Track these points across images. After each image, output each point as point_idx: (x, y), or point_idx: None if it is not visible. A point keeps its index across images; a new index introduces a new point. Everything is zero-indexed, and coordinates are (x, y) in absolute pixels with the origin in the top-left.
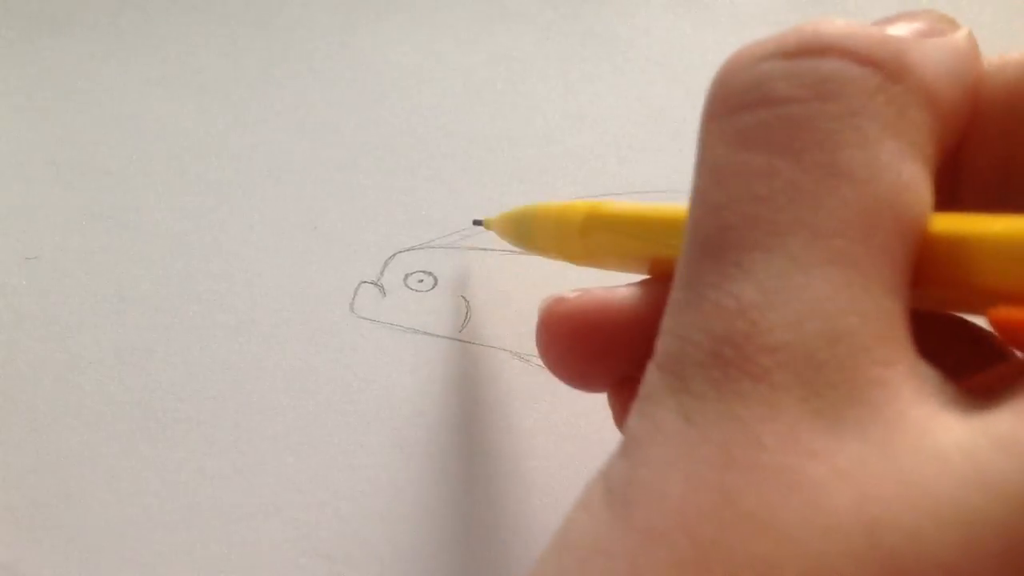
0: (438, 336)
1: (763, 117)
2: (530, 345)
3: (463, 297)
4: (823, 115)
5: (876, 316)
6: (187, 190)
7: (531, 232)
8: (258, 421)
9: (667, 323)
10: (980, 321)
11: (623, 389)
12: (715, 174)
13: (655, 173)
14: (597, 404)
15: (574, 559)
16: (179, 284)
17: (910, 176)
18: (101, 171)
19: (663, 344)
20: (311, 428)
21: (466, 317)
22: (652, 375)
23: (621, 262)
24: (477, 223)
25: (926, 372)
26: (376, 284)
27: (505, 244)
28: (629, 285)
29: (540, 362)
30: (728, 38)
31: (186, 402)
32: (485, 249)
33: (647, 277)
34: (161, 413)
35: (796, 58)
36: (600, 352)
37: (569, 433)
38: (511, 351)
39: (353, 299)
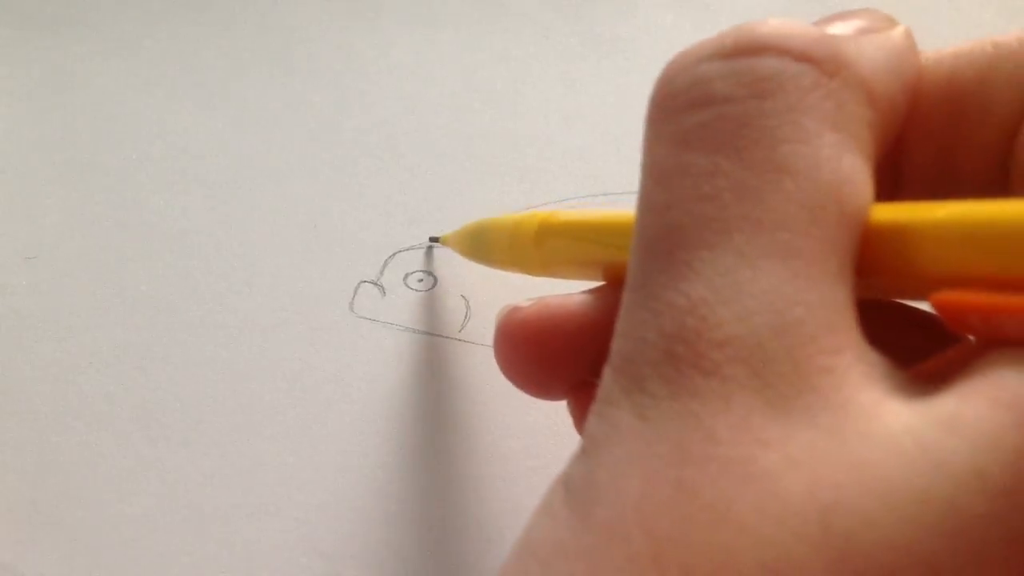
0: (438, 336)
1: (703, 117)
2: None
3: (463, 297)
4: (762, 112)
5: (822, 306)
6: (187, 190)
7: (486, 246)
8: (258, 421)
9: (620, 325)
10: (927, 308)
11: (582, 395)
12: (659, 176)
13: None
14: None
15: (536, 562)
16: (179, 284)
17: (850, 168)
18: (101, 171)
19: (617, 346)
20: (311, 428)
21: (466, 317)
22: (608, 377)
23: (577, 270)
24: (434, 240)
25: (874, 359)
26: (376, 284)
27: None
28: (584, 291)
29: None
30: None
31: (186, 402)
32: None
33: (603, 283)
34: (161, 413)
35: (734, 58)
36: (557, 359)
37: (569, 433)
38: None
39: (353, 299)
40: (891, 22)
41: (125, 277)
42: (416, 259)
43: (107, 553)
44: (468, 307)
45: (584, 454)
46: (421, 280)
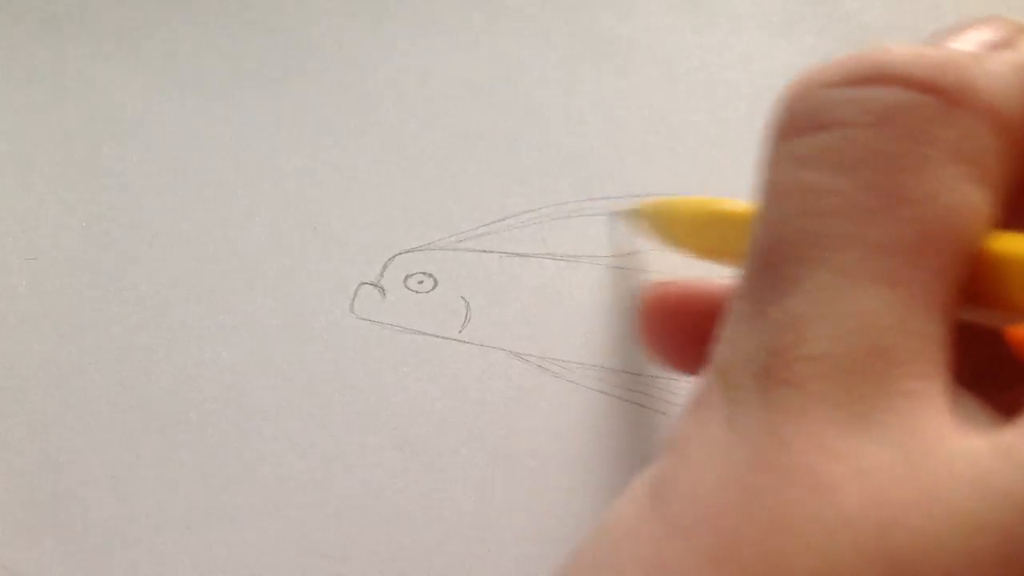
0: (438, 337)
1: (825, 140)
2: (530, 345)
3: (463, 298)
4: (883, 139)
5: (918, 335)
6: (187, 190)
7: (675, 226)
8: (258, 421)
9: (725, 332)
10: None
11: None
12: (775, 192)
13: (655, 174)
14: (596, 405)
15: (609, 540)
16: (179, 284)
17: (970, 199)
18: (101, 171)
19: (718, 352)
20: (311, 428)
21: (466, 318)
22: (706, 380)
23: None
24: (618, 212)
25: (957, 390)
26: (376, 285)
27: (505, 247)
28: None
29: (540, 362)
30: (728, 39)
31: (186, 402)
32: (485, 251)
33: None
34: (161, 413)
35: (859, 86)
36: (697, 335)
37: (569, 434)
38: (511, 351)
39: (353, 300)
40: (1020, 32)
41: (125, 277)
42: (416, 261)
43: (107, 553)
44: (468, 308)
45: (672, 451)
46: (421, 282)
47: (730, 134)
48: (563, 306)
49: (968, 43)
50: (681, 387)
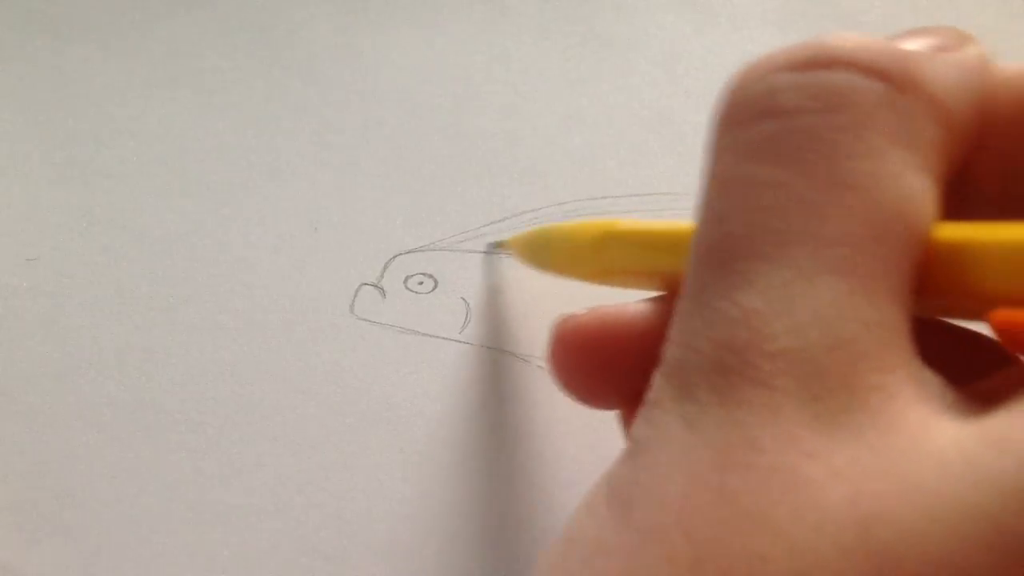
0: (438, 338)
1: (770, 129)
2: (530, 346)
3: (463, 299)
4: (829, 126)
5: (878, 324)
6: (187, 190)
7: (546, 252)
8: (258, 421)
9: (673, 332)
10: (985, 329)
11: (635, 406)
12: (722, 185)
13: (655, 174)
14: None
15: (576, 558)
16: (179, 284)
17: (915, 187)
18: (101, 171)
19: (669, 352)
20: (311, 428)
21: (466, 318)
22: (658, 382)
23: (636, 279)
24: (494, 245)
25: (927, 378)
26: (376, 286)
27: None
28: (640, 301)
29: (540, 363)
30: (728, 38)
31: (186, 402)
32: (485, 252)
33: (660, 293)
34: (161, 413)
35: (805, 70)
36: (611, 368)
37: (569, 434)
38: (511, 352)
39: (353, 301)
40: (965, 40)
41: (125, 277)
42: (416, 261)
43: (107, 553)
44: (468, 309)
45: (629, 456)
46: (421, 283)
47: None
48: (563, 306)
49: (915, 44)
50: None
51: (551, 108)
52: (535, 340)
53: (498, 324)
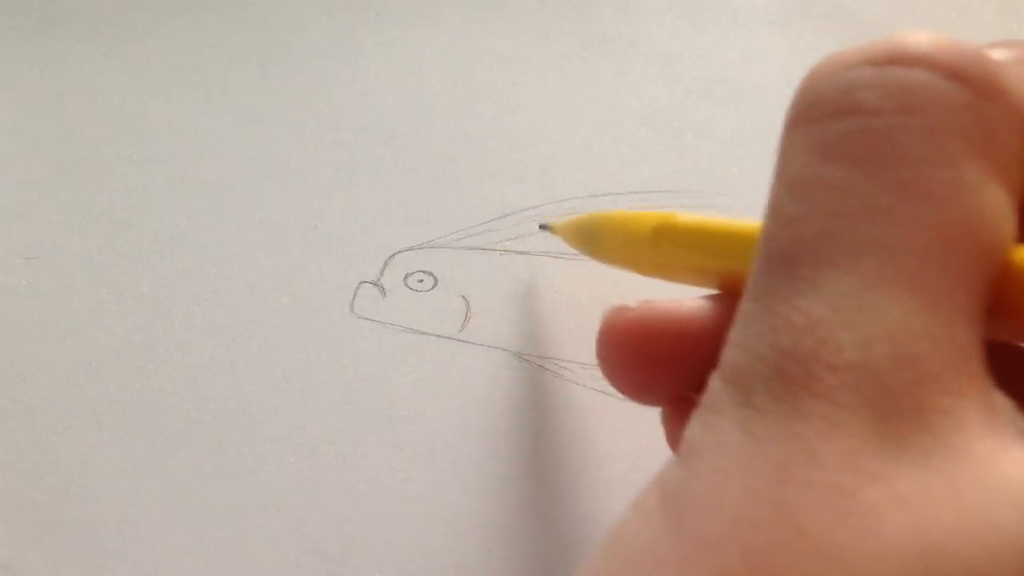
0: (438, 336)
1: (845, 128)
2: (530, 345)
3: (463, 297)
4: (907, 129)
5: (948, 343)
6: (187, 190)
7: (598, 239)
8: (258, 421)
9: (734, 334)
10: None
11: (679, 407)
12: (792, 186)
13: (655, 173)
14: (596, 405)
15: (624, 561)
16: (179, 284)
17: (993, 200)
18: (101, 171)
19: (729, 355)
20: (311, 428)
21: (466, 317)
22: (715, 385)
23: (690, 275)
24: (543, 227)
25: (999, 403)
26: (376, 284)
27: (505, 244)
28: (696, 299)
29: (540, 362)
30: (728, 38)
31: (186, 402)
32: (485, 249)
33: (714, 292)
34: (161, 413)
35: (883, 66)
36: (660, 365)
37: (569, 434)
38: (511, 351)
39: (353, 299)
40: None
41: (125, 277)
42: (416, 259)
43: (107, 553)
44: (468, 307)
45: (683, 460)
46: (421, 280)
47: (729, 132)
48: (563, 306)
49: (1000, 53)
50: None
51: (551, 107)
52: (535, 340)
53: (498, 323)
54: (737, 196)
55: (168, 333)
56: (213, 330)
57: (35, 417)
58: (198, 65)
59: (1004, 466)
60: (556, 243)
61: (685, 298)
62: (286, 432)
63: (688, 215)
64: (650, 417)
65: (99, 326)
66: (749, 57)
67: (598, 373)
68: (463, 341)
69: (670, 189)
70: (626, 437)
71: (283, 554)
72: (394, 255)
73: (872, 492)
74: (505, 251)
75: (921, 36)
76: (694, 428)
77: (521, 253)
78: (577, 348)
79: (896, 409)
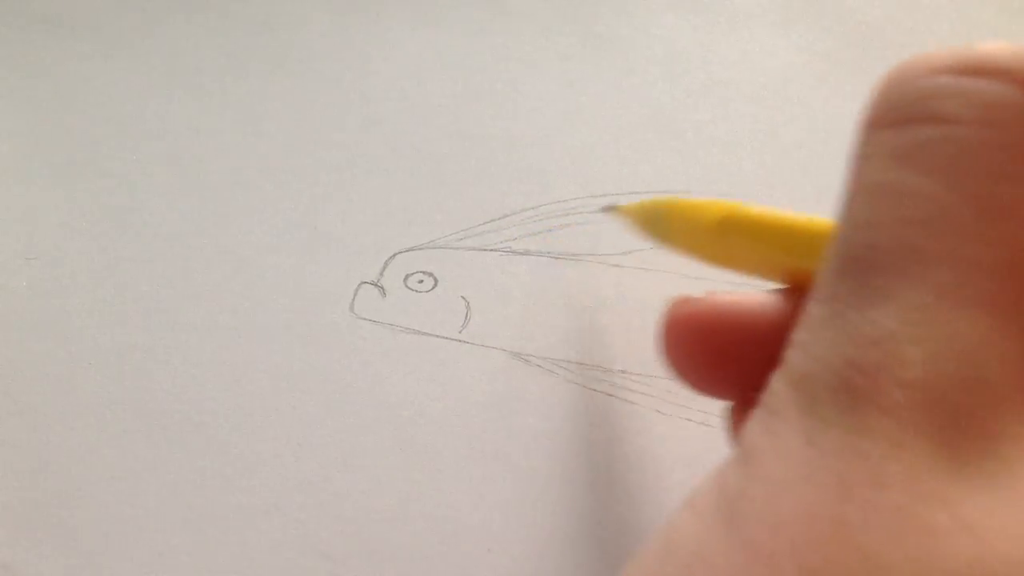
0: (438, 336)
1: (926, 135)
2: (530, 345)
3: (463, 297)
4: (988, 142)
5: (1020, 367)
6: (187, 190)
7: (664, 225)
8: (258, 421)
9: (800, 336)
10: None
11: (748, 402)
12: (869, 190)
13: (655, 173)
14: (597, 405)
15: (676, 562)
16: (179, 284)
17: None
18: (101, 171)
19: (794, 358)
20: (311, 428)
21: (466, 317)
22: (779, 387)
23: (755, 267)
24: (607, 209)
25: None
26: (376, 285)
27: (506, 244)
28: (762, 293)
29: (540, 362)
30: (728, 38)
31: (186, 402)
32: (485, 249)
33: (780, 287)
34: (161, 413)
35: (964, 76)
36: (724, 358)
37: (569, 434)
38: (511, 351)
39: (353, 300)
40: None
41: (125, 277)
42: (416, 260)
43: (107, 553)
44: (468, 308)
45: (743, 463)
46: (421, 281)
47: (730, 132)
48: (563, 306)
49: None
50: (681, 388)
51: (551, 107)
52: (535, 340)
53: (498, 323)
54: (737, 196)
55: (168, 333)
56: (213, 330)
57: (35, 417)
58: (198, 65)
59: None
60: (556, 243)
61: (748, 291)
62: (286, 432)
63: (757, 206)
64: (650, 417)
65: (99, 326)
66: (749, 57)
67: (598, 373)
68: (463, 341)
69: (670, 189)
70: (626, 437)
71: (283, 554)
72: (394, 255)
73: (935, 515)
74: (505, 251)
75: (1004, 47)
76: (755, 430)
77: (521, 253)
78: (577, 348)
79: (963, 431)
